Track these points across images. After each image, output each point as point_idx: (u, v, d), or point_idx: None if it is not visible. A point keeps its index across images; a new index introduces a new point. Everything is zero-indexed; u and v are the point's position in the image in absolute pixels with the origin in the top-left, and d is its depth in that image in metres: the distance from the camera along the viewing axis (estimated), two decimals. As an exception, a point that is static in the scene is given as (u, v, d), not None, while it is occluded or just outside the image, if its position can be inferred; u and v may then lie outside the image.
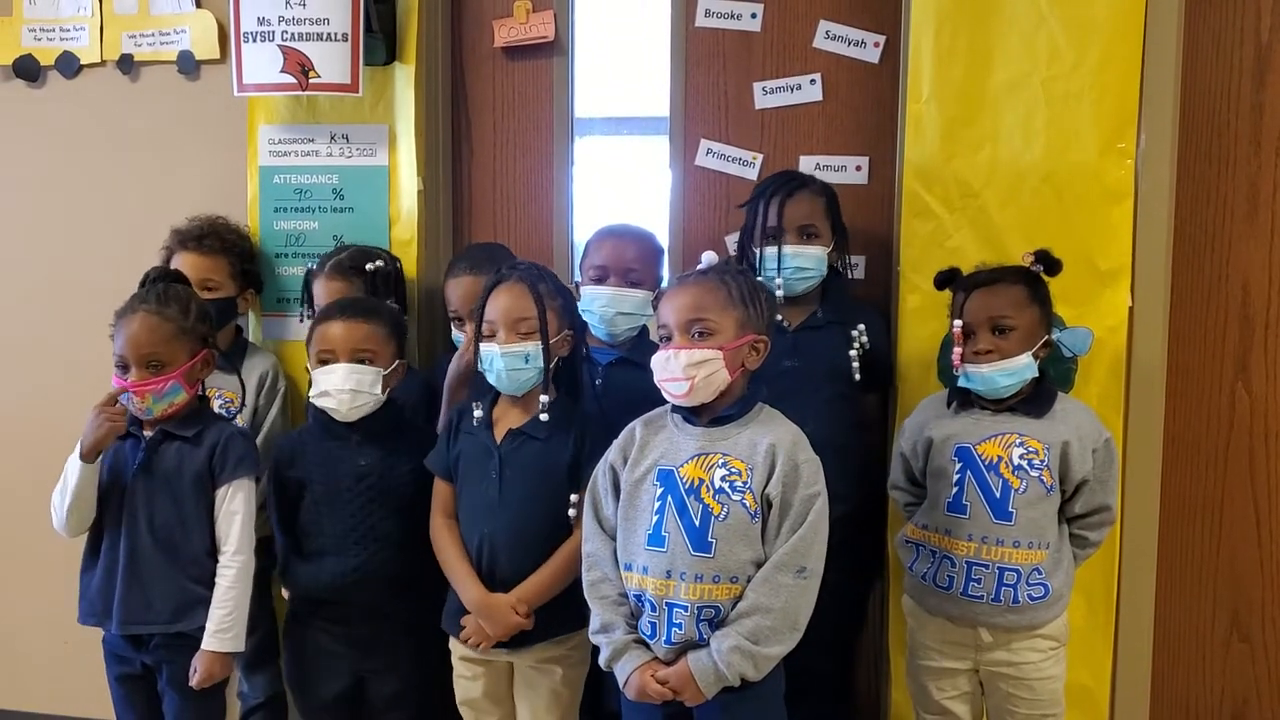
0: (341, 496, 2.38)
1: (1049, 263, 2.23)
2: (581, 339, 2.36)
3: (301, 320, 2.77)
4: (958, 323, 2.20)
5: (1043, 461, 2.16)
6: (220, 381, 2.56)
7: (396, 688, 2.42)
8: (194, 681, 2.28)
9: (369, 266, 2.69)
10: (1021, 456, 2.17)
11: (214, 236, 2.78)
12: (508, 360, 2.21)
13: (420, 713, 2.45)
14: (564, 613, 2.25)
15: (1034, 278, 2.23)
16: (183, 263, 2.69)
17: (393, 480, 2.39)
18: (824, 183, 2.59)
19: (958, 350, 2.19)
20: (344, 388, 2.33)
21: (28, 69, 3.08)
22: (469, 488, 2.30)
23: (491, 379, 2.26)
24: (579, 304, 2.53)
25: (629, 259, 2.52)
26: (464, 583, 2.26)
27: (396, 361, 2.42)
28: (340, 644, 2.42)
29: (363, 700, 2.45)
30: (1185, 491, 2.63)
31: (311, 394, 2.37)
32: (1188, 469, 2.63)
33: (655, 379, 2.06)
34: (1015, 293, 2.20)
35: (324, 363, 2.36)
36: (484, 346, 2.25)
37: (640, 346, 2.49)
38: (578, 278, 2.63)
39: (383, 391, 2.38)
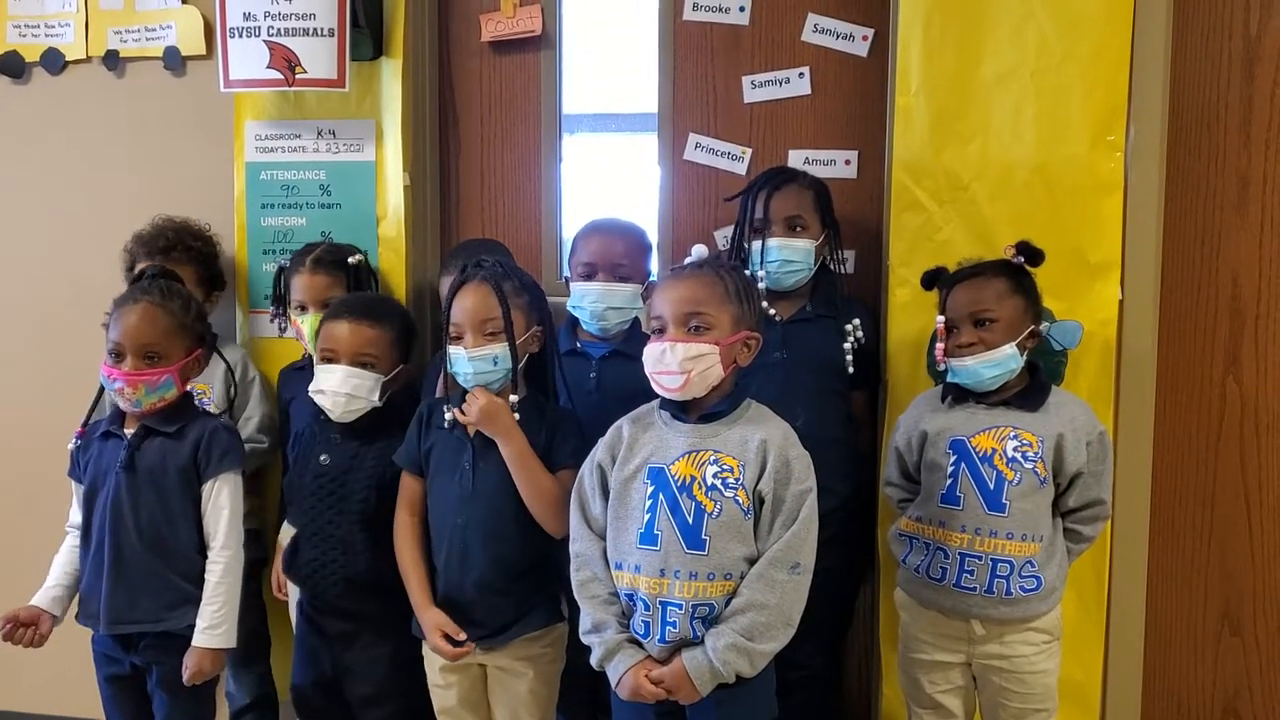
0: (303, 491, 2.37)
1: (1030, 254, 2.22)
2: (551, 333, 2.34)
3: (273, 320, 2.75)
4: (940, 318, 2.20)
5: (1036, 454, 2.15)
6: None
7: (369, 690, 2.39)
8: (185, 678, 2.26)
9: (351, 260, 2.68)
10: (1015, 449, 2.16)
11: (180, 248, 2.76)
12: (475, 364, 2.20)
13: (397, 716, 2.42)
14: (538, 609, 2.25)
15: (1016, 269, 2.22)
16: None
17: (348, 484, 2.35)
18: (814, 177, 2.59)
19: (940, 346, 2.20)
20: (340, 390, 2.32)
21: (12, 66, 3.06)
22: (441, 480, 2.28)
23: (461, 381, 2.25)
24: (568, 301, 2.53)
25: (617, 254, 2.50)
26: (413, 588, 2.26)
27: (399, 367, 2.41)
28: (320, 637, 2.41)
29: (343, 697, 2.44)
30: (1176, 484, 2.63)
31: (310, 387, 2.35)
32: (1178, 462, 2.63)
33: (648, 371, 2.04)
34: (996, 285, 2.19)
35: (326, 360, 2.34)
36: (451, 349, 2.23)
37: (633, 339, 2.48)
38: (567, 273, 2.62)
39: (381, 397, 2.37)
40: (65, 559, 2.39)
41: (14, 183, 3.12)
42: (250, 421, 2.78)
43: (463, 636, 2.19)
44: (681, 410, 2.06)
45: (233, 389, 2.71)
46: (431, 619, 2.21)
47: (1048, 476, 2.16)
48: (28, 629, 2.31)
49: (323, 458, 2.37)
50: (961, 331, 2.18)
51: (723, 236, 2.80)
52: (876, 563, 2.59)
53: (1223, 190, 2.56)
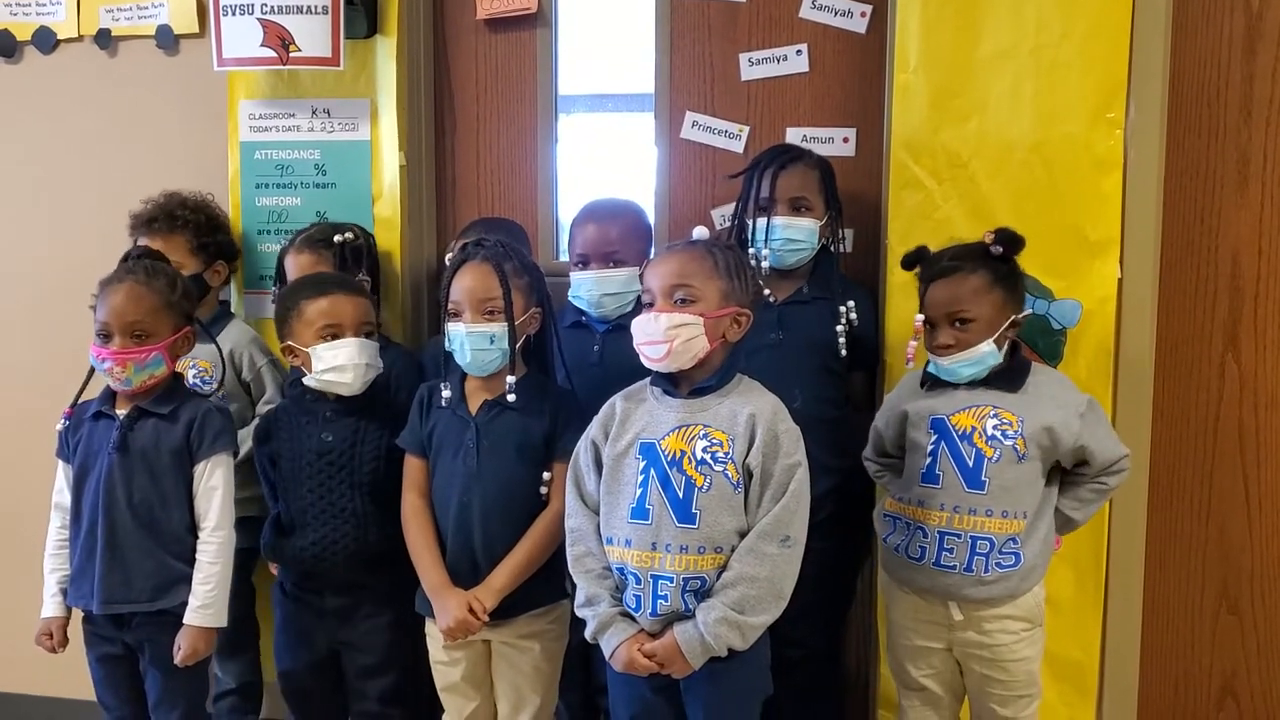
0: (303, 471, 2.37)
1: (1009, 243, 2.16)
2: (550, 313, 2.34)
3: (274, 301, 2.73)
4: (919, 317, 2.18)
5: (1016, 432, 2.13)
6: (195, 350, 2.48)
7: (371, 660, 2.41)
8: (178, 659, 2.27)
9: (337, 239, 2.65)
10: (995, 427, 2.14)
11: (163, 218, 2.74)
12: (473, 339, 2.20)
13: (398, 684, 2.44)
14: (543, 586, 2.25)
15: (995, 260, 2.17)
16: None
17: (357, 457, 2.37)
18: (820, 157, 2.57)
19: (912, 344, 2.19)
20: (359, 361, 2.34)
21: (4, 45, 3.05)
22: (445, 460, 2.28)
23: (458, 359, 2.25)
24: (569, 291, 2.53)
25: (609, 241, 2.52)
26: (427, 569, 2.25)
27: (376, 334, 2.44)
28: (314, 615, 2.41)
29: (342, 672, 2.45)
30: (1174, 463, 2.62)
31: (318, 369, 2.34)
32: (1177, 441, 2.61)
33: (636, 343, 2.05)
34: (974, 281, 2.15)
35: (332, 336, 2.33)
36: (450, 326, 2.25)
37: (636, 314, 2.48)
38: (566, 257, 2.61)
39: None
40: (58, 557, 2.39)
41: (5, 163, 3.11)
42: (270, 404, 2.74)
43: (492, 606, 2.19)
44: (672, 385, 2.06)
45: (242, 371, 2.72)
46: (459, 598, 2.20)
47: (1028, 452, 2.13)
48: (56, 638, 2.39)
49: (325, 435, 2.37)
50: (939, 332, 2.16)
51: (720, 215, 2.79)
52: (874, 542, 2.58)
53: (1223, 168, 2.54)
